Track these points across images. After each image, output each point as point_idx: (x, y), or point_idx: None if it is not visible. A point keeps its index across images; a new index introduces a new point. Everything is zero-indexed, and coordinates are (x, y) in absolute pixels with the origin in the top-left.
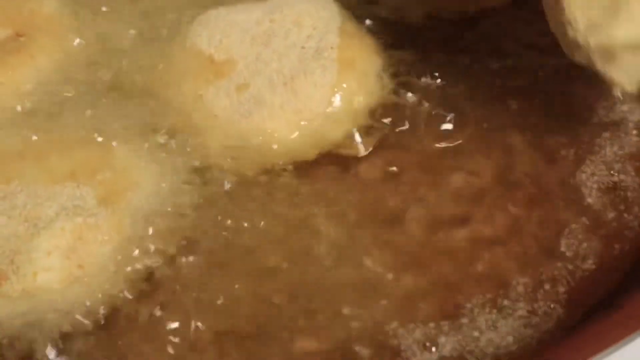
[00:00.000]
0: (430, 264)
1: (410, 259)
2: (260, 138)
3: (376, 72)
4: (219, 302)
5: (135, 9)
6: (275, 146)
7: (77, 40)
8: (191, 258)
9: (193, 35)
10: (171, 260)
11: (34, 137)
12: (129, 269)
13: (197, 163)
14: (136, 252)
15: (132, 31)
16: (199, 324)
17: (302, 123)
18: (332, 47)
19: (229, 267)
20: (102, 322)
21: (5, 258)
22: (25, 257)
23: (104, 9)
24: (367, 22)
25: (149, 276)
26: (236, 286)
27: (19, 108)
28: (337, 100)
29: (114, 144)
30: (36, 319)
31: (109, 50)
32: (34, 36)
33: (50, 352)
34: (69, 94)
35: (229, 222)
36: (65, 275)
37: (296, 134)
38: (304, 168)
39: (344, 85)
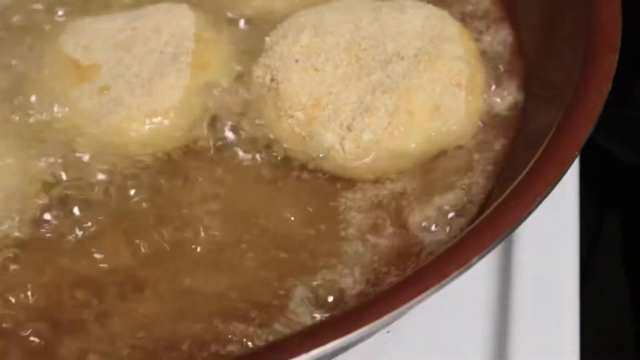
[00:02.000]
0: None
1: None
2: (119, 137)
3: (233, 76)
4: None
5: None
6: (133, 144)
7: None
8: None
9: (62, 41)
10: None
11: None
12: None
13: (59, 161)
14: None
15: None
16: None
17: (156, 122)
18: (187, 52)
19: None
20: None
21: None
22: None
23: None
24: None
25: None
26: None
27: None
28: (191, 100)
29: None
30: None
31: None
32: None
33: None
34: None
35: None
36: None
37: (152, 132)
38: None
39: (198, 87)
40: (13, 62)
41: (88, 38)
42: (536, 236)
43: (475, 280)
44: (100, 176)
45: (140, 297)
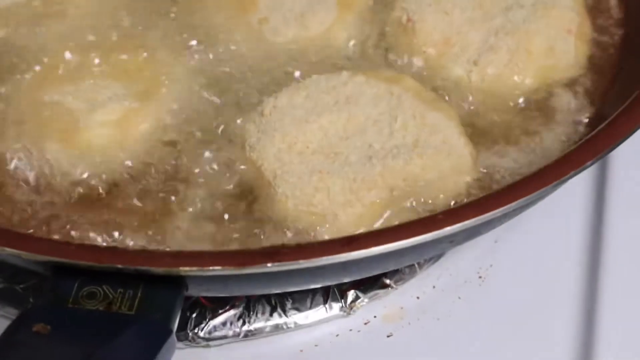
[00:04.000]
0: None
1: None
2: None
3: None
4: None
5: None
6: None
7: None
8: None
9: None
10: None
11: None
12: (159, 140)
13: (226, 69)
14: (167, 130)
15: None
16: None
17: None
18: None
19: None
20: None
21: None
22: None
23: None
24: None
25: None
26: None
27: None
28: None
29: (159, 52)
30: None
31: None
32: None
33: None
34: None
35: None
36: (111, 141)
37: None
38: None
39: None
40: None
41: None
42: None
43: (573, 203)
44: None
45: None
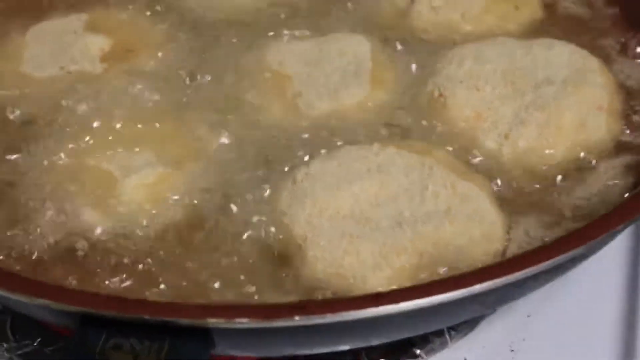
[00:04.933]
0: None
1: None
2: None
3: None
4: None
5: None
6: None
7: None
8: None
9: (266, 56)
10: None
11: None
12: (185, 202)
13: (260, 138)
14: (194, 197)
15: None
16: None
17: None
18: (366, 71)
19: None
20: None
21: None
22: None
23: None
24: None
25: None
26: None
27: None
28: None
29: (192, 123)
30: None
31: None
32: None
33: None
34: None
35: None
36: (143, 204)
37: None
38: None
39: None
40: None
41: (284, 55)
42: None
43: (606, 278)
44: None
45: None
